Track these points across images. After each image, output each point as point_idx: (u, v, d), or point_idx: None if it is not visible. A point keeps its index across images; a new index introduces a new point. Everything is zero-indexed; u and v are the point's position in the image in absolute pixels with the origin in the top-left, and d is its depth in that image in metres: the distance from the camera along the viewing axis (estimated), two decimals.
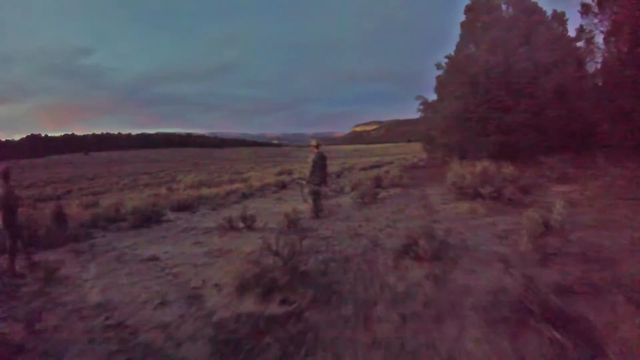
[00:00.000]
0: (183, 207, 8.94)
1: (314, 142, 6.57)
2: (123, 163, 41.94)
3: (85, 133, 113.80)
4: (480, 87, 12.47)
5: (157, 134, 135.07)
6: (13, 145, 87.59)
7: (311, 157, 6.48)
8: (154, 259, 4.59)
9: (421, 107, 16.52)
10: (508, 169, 7.18)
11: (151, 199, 10.41)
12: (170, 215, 8.18)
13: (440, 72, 15.71)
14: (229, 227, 5.47)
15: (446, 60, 15.41)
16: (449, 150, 14.04)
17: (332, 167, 22.29)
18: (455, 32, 15.98)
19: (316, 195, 6.38)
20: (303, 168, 6.98)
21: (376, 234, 4.94)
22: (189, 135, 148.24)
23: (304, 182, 6.59)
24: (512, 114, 11.88)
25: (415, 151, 48.07)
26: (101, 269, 4.29)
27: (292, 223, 5.21)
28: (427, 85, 17.26)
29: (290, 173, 19.97)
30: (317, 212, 6.38)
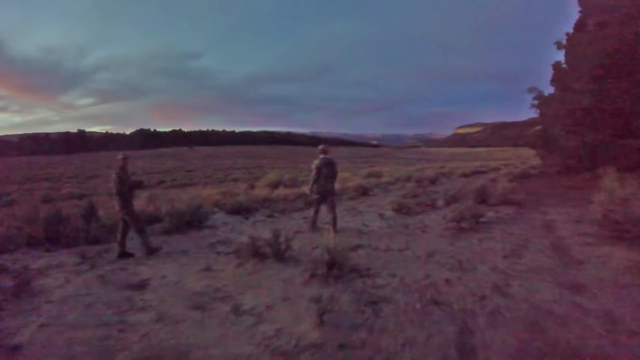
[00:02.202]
0: (239, 210, 8.29)
1: (320, 147, 5.90)
2: (224, 158, 47.63)
3: (192, 129, 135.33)
4: (619, 68, 9.27)
5: (259, 132, 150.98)
6: (124, 138, 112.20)
7: (314, 163, 5.69)
8: (141, 286, 3.70)
9: (535, 102, 13.75)
10: None
11: (217, 196, 10.31)
12: (220, 218, 7.56)
13: (557, 59, 13.18)
14: (253, 252, 4.09)
15: (566, 38, 12.58)
16: (575, 157, 11.31)
17: (429, 170, 19.20)
18: (567, 26, 13.95)
19: (328, 206, 5.76)
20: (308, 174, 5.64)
21: (472, 307, 2.74)
22: (289, 134, 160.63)
23: (307, 192, 5.99)
24: None
25: (523, 157, 41.68)
26: (78, 288, 3.64)
27: (338, 261, 3.40)
28: (536, 84, 13.90)
29: (379, 176, 18.02)
30: (313, 224, 5.84)
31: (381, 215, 7.25)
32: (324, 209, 5.98)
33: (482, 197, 7.99)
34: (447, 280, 3.23)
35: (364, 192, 11.67)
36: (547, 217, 6.43)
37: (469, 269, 3.61)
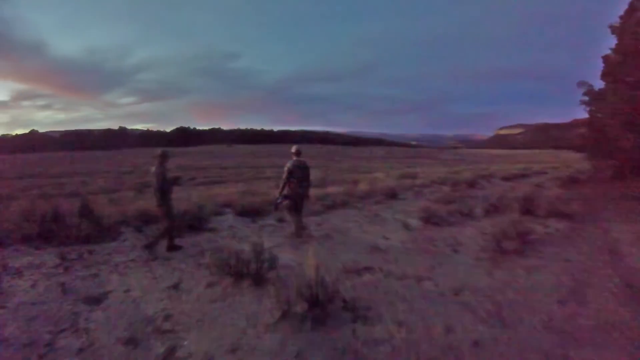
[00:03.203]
0: (249, 212, 7.70)
1: (293, 148, 5.66)
2: (260, 156, 48.26)
3: (231, 128, 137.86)
4: None
5: (296, 131, 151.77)
6: (164, 135, 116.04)
7: (286, 165, 5.40)
8: (98, 300, 3.24)
9: (586, 98, 12.57)
10: None
11: (234, 196, 9.91)
12: (227, 220, 7.01)
13: (606, 53, 11.89)
14: (231, 271, 3.37)
15: (620, 21, 11.27)
16: (634, 159, 9.96)
17: (467, 173, 17.41)
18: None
19: (295, 212, 5.54)
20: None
21: None
22: (326, 133, 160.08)
23: (276, 195, 5.68)
24: None
25: (568, 160, 38.70)
26: (38, 295, 3.33)
27: (323, 298, 2.54)
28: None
29: (413, 177, 16.66)
30: (298, 232, 5.54)
31: (406, 226, 6.25)
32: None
33: (527, 207, 6.78)
34: (476, 343, 2.25)
35: (392, 195, 10.57)
36: (609, 235, 5.22)
37: (511, 320, 2.58)
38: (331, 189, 11.83)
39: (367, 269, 3.85)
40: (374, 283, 3.41)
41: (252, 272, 3.23)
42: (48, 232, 5.11)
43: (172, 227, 4.75)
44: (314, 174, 19.65)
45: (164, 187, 4.58)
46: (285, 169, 5.42)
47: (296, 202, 5.50)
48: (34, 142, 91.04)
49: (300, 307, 2.44)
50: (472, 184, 13.13)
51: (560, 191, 7.56)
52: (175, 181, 4.93)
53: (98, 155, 60.13)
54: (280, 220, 7.26)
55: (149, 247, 4.60)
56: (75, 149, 77.11)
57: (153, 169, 4.66)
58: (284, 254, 4.69)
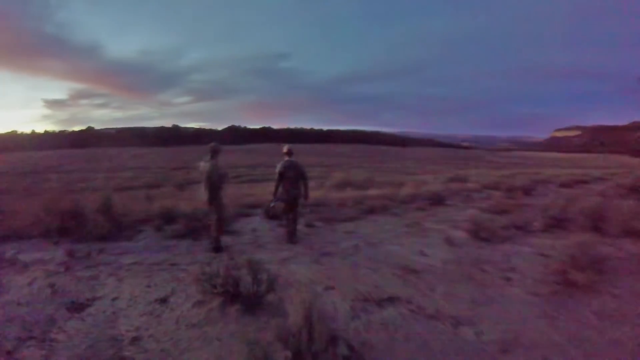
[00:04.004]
0: (278, 215, 7.28)
1: (284, 148, 5.50)
2: (307, 155, 48.37)
3: (281, 127, 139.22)
4: None
5: (346, 131, 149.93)
6: (216, 133, 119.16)
7: (277, 166, 5.31)
8: (82, 306, 3.00)
9: None
10: None
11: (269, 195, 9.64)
12: (253, 223, 6.66)
13: None
14: (219, 290, 2.87)
15: None
16: None
17: (522, 177, 15.23)
18: None
19: (287, 215, 5.44)
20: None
21: None
22: (376, 133, 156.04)
23: (270, 200, 5.60)
24: None
25: (629, 165, 35.44)
26: (29, 293, 3.21)
27: (314, 349, 1.90)
28: None
29: (464, 181, 15.07)
30: (291, 236, 5.40)
31: (449, 240, 5.29)
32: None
33: (596, 223, 5.50)
34: None
35: (438, 200, 9.44)
36: None
37: None
38: (372, 192, 10.99)
39: (392, 299, 3.12)
40: (396, 322, 2.68)
41: (244, 294, 2.70)
42: (66, 228, 5.14)
43: (222, 221, 4.78)
44: (360, 175, 18.81)
45: (218, 182, 4.57)
46: (276, 170, 5.30)
47: (290, 204, 5.34)
48: (90, 138, 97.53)
49: (282, 357, 1.84)
50: (527, 191, 11.41)
51: (631, 202, 6.00)
52: (225, 176, 4.87)
53: (152, 151, 64.36)
54: (310, 225, 6.71)
55: (216, 249, 4.62)
56: (130, 145, 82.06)
57: (202, 164, 4.63)
58: (298, 267, 4.15)
